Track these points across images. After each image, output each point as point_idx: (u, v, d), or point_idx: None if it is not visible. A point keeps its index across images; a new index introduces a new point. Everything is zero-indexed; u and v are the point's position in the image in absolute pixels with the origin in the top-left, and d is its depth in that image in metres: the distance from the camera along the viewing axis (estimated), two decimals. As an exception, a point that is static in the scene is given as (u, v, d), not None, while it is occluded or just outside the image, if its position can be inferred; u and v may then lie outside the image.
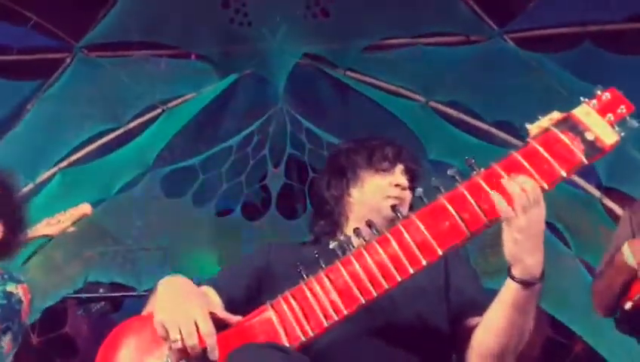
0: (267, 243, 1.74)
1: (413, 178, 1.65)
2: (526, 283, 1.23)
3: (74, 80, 5.09)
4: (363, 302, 1.26)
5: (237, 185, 4.96)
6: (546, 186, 1.22)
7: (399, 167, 1.64)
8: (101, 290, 4.42)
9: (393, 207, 1.36)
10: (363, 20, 5.00)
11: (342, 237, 1.34)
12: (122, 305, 4.69)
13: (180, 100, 5.21)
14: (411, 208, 1.41)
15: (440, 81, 4.94)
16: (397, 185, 1.60)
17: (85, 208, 2.79)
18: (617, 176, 4.42)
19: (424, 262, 1.25)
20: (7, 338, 1.87)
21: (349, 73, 5.13)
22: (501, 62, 4.80)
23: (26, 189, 4.92)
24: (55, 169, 5.03)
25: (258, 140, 4.91)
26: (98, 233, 4.61)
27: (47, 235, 2.72)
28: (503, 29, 4.80)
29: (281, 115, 4.92)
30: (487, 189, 1.24)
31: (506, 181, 1.22)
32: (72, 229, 2.75)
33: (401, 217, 1.31)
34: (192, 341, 1.24)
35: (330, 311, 1.27)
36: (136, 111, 5.18)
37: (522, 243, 1.21)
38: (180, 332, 1.24)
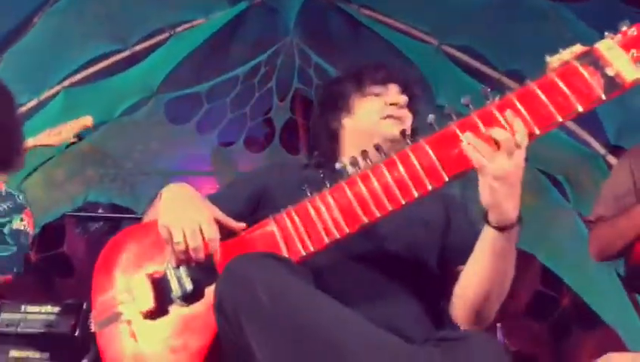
0: (270, 163, 1.73)
1: (412, 98, 1.60)
2: (502, 228, 1.23)
3: (80, -3, 4.98)
4: (365, 221, 1.26)
5: (241, 115, 4.92)
6: (560, 118, 1.19)
7: (393, 87, 1.60)
8: (100, 210, 4.46)
9: (402, 132, 1.33)
10: (380, -44, 4.87)
11: (348, 161, 1.32)
12: (120, 227, 4.75)
13: (188, 25, 5.09)
14: (414, 133, 1.37)
15: (454, 25, 4.82)
16: (392, 104, 1.55)
17: (86, 120, 2.76)
18: (625, 136, 4.37)
19: (429, 187, 1.24)
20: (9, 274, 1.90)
21: (362, 10, 5.00)
22: (517, 9, 4.67)
23: (30, 105, 4.90)
24: (59, 87, 4.96)
25: (265, 72, 4.83)
26: (99, 154, 4.59)
27: (48, 145, 2.70)
28: (523, -26, 4.66)
29: (291, 47, 4.83)
30: (501, 119, 1.21)
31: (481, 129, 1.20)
32: (73, 140, 2.73)
33: (409, 141, 1.28)
34: (195, 243, 1.24)
35: (332, 228, 1.27)
36: (143, 34, 5.05)
37: (499, 191, 1.20)
38: (184, 235, 1.24)
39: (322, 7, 5.01)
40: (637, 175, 2.07)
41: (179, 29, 5.07)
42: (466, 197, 3.99)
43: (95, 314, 1.39)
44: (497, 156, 1.18)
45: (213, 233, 1.26)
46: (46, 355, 3.35)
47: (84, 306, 3.79)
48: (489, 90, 1.25)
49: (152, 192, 4.69)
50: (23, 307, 3.58)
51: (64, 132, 2.71)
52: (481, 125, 1.22)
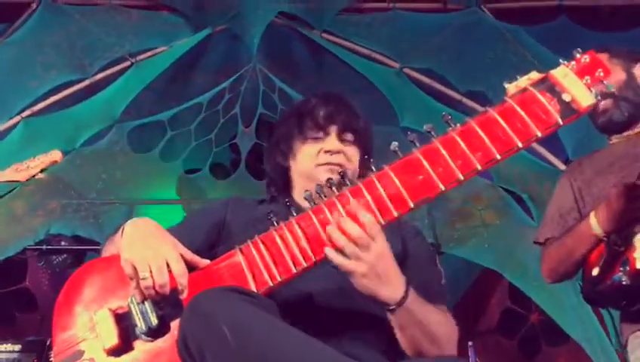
0: (227, 198, 1.73)
1: (355, 133, 1.63)
2: (392, 310, 1.25)
3: (40, 26, 4.92)
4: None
5: (206, 142, 4.89)
6: (520, 144, 1.21)
7: (333, 130, 1.61)
8: (63, 243, 4.35)
9: (328, 180, 1.31)
10: (339, -19, 4.94)
11: (314, 189, 1.32)
12: (85, 259, 4.64)
13: (150, 53, 5.08)
14: (366, 168, 1.38)
15: (415, 48, 4.92)
16: (327, 152, 1.58)
17: (55, 155, 2.69)
18: (584, 151, 4.49)
19: (395, 213, 1.24)
20: None
21: (324, 35, 5.06)
22: (477, 32, 4.80)
23: (-11, 135, 4.80)
24: (18, 118, 4.87)
25: (229, 98, 4.83)
26: (61, 185, 4.50)
27: (15, 181, 2.62)
28: (481, -1, 4.79)
29: (254, 73, 4.85)
30: (463, 145, 1.23)
31: (331, 230, 1.21)
32: (40, 176, 2.66)
33: (348, 182, 1.28)
34: (162, 279, 1.22)
35: (300, 258, 1.26)
36: (104, 62, 5.02)
37: (369, 285, 1.21)
38: (150, 270, 1.22)
39: (285, 33, 5.05)
40: (577, 191, 2.08)
41: (141, 57, 5.04)
42: (434, 217, 4.05)
43: (56, 352, 1.34)
44: (360, 255, 1.20)
45: (181, 270, 1.25)
46: (7, 396, 3.25)
47: (47, 343, 3.70)
48: (450, 116, 1.27)
49: (117, 222, 4.61)
50: (-19, 345, 3.49)
51: (32, 167, 2.63)
52: (444, 151, 1.24)
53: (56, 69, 4.98)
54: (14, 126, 4.86)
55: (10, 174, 2.58)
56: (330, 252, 1.21)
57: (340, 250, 1.20)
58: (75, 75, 5.01)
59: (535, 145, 4.65)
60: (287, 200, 1.38)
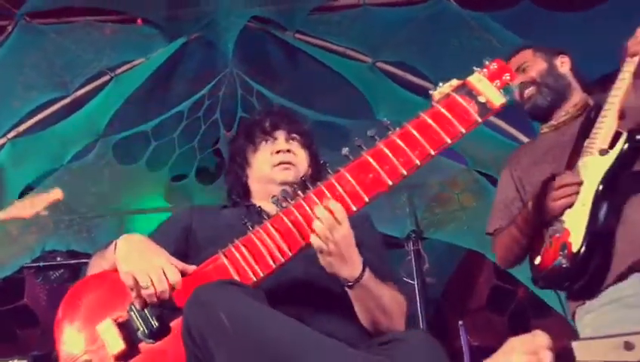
0: (190, 206, 1.92)
1: (301, 135, 1.86)
2: (351, 286, 1.47)
3: (17, 48, 4.99)
4: (303, 244, 1.43)
5: (190, 149, 5.02)
6: (449, 140, 1.41)
7: (280, 134, 1.84)
8: (59, 258, 4.47)
9: (292, 184, 1.54)
10: (309, -19, 5.07)
11: (280, 194, 1.49)
12: (80, 272, 4.77)
13: (128, 66, 5.16)
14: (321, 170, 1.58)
15: (386, 42, 5.05)
16: (278, 152, 1.80)
17: (57, 193, 2.85)
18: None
19: (354, 208, 1.44)
20: None
21: (297, 35, 5.16)
22: (444, 22, 4.94)
23: (-26, 160, 4.88)
24: (4, 139, 4.97)
25: (209, 104, 4.95)
26: (52, 202, 4.60)
27: (21, 217, 2.76)
28: (445, -12, 4.94)
29: (231, 78, 4.96)
30: (403, 145, 1.41)
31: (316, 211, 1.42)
32: (44, 213, 2.80)
33: (309, 185, 1.47)
34: (162, 286, 1.38)
35: (277, 254, 1.43)
36: (84, 78, 5.11)
37: (333, 262, 1.43)
38: (151, 280, 1.37)
39: (258, 36, 5.16)
40: (518, 181, 2.23)
41: (119, 70, 5.13)
42: (415, 205, 4.20)
43: None
44: (328, 235, 1.41)
45: (177, 276, 1.41)
46: (17, 409, 3.38)
47: (52, 356, 3.83)
48: (389, 122, 1.45)
49: (109, 235, 4.75)
50: (-12, 363, 3.61)
51: (36, 204, 2.77)
52: (388, 152, 1.41)
53: (37, 89, 5.07)
54: (1, 147, 4.97)
55: (16, 211, 2.71)
56: (313, 238, 1.42)
57: (313, 231, 1.41)
58: (57, 93, 5.10)
59: (507, 127, 4.83)
60: (259, 206, 1.57)
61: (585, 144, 1.93)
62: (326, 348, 1.23)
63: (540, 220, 1.95)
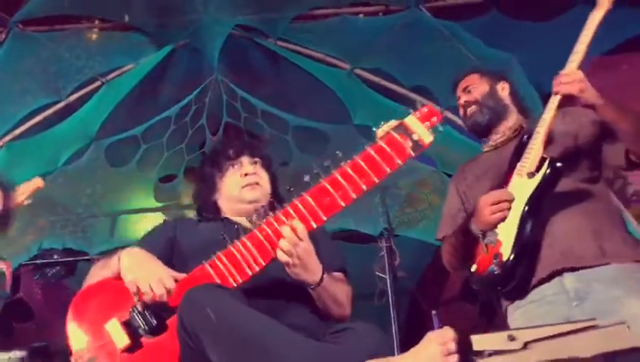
0: (173, 219, 2.27)
1: (262, 158, 2.19)
2: (313, 289, 1.84)
3: (11, 55, 5.17)
4: (274, 255, 1.75)
5: (178, 152, 5.28)
6: (389, 171, 1.76)
7: (245, 159, 2.15)
8: (55, 256, 4.74)
9: (262, 207, 1.92)
10: (291, -9, 5.31)
11: (254, 214, 1.81)
12: (76, 269, 5.04)
13: (119, 72, 5.37)
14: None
15: (363, 49, 5.31)
16: (245, 175, 2.11)
17: (38, 181, 3.07)
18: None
19: (314, 225, 1.77)
20: None
21: (279, 43, 5.40)
22: (418, 31, 5.20)
23: (-28, 163, 5.11)
24: (0, 143, 5.19)
25: (195, 109, 5.20)
26: (49, 203, 4.84)
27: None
28: (419, -1, 5.23)
29: (217, 85, 5.21)
30: (353, 175, 1.74)
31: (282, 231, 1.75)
32: (27, 202, 3.04)
33: (277, 205, 1.82)
34: (160, 291, 1.71)
35: (252, 264, 1.75)
36: (76, 84, 5.31)
37: (297, 271, 1.78)
38: (150, 286, 1.70)
39: (242, 44, 5.41)
40: (462, 194, 2.53)
41: (110, 76, 5.35)
42: (387, 204, 4.50)
43: (75, 358, 1.80)
44: (292, 251, 1.73)
45: (171, 283, 1.74)
46: (18, 401, 3.61)
47: (52, 349, 4.11)
48: (341, 154, 1.78)
49: (103, 233, 5.03)
50: (-12, 355, 3.85)
51: (19, 195, 3.00)
52: (341, 179, 1.73)
53: (31, 94, 5.27)
54: (-3, 151, 5.20)
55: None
56: (279, 254, 1.75)
57: (280, 246, 1.74)
58: (50, 98, 5.30)
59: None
60: (235, 221, 1.89)
61: (517, 165, 2.24)
62: (288, 338, 1.57)
63: (477, 231, 2.26)
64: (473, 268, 2.27)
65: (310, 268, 1.78)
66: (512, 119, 2.50)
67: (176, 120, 5.21)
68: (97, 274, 1.94)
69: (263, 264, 1.76)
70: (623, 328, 1.37)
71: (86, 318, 1.82)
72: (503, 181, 2.28)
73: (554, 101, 2.22)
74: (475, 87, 2.55)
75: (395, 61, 5.28)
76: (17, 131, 5.28)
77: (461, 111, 2.58)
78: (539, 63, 4.94)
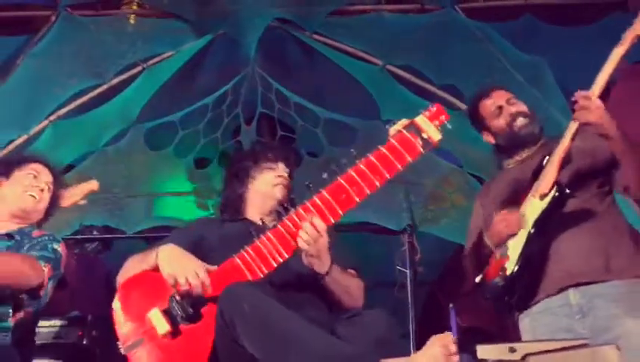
0: (198, 220, 2.52)
1: (291, 169, 2.47)
2: (322, 277, 2.04)
3: (59, 38, 5.44)
4: (296, 247, 1.98)
5: (213, 140, 5.47)
6: (400, 167, 1.92)
7: (281, 164, 2.43)
8: (95, 232, 5.02)
9: (284, 205, 2.09)
10: (329, -14, 5.45)
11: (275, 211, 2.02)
12: (112, 246, 5.32)
13: (159, 58, 5.55)
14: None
15: (396, 46, 5.43)
16: (279, 176, 2.38)
17: (93, 184, 3.30)
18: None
19: (332, 220, 1.96)
20: (52, 284, 2.50)
21: (315, 36, 5.54)
22: (451, 31, 5.32)
23: (19, 141, 5.40)
24: (46, 122, 5.43)
25: (232, 99, 5.38)
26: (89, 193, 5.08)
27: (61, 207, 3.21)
28: (455, -1, 5.32)
29: (253, 76, 5.36)
30: (367, 172, 1.91)
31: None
32: (82, 202, 3.27)
33: (289, 207, 2.01)
34: (195, 282, 1.95)
35: (277, 256, 1.95)
36: (118, 68, 5.52)
37: (312, 261, 2.00)
38: (187, 278, 1.93)
39: (279, 36, 5.57)
40: (483, 211, 2.67)
41: (151, 62, 5.54)
42: (410, 201, 4.65)
43: (122, 342, 2.02)
44: (311, 242, 1.94)
45: (205, 276, 1.96)
46: (60, 363, 3.92)
47: (89, 319, 4.39)
48: (355, 153, 1.94)
49: (140, 213, 5.27)
50: (35, 321, 4.16)
51: (74, 195, 3.23)
52: (356, 177, 1.89)
53: (76, 77, 5.51)
54: (43, 130, 5.47)
55: None
56: (299, 240, 1.96)
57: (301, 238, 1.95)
58: (94, 81, 5.53)
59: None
60: (261, 218, 2.11)
61: (533, 186, 2.37)
62: (308, 329, 1.78)
63: (489, 244, 2.42)
64: (478, 278, 2.43)
65: (322, 259, 2.01)
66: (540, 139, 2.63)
67: (212, 108, 5.39)
68: (136, 266, 2.18)
69: (286, 256, 1.97)
70: (611, 349, 1.52)
71: (131, 306, 2.06)
72: (520, 199, 2.41)
73: (572, 127, 2.30)
74: (515, 100, 2.65)
75: (427, 59, 5.38)
76: (62, 111, 5.52)
77: (502, 122, 2.61)
78: (569, 68, 5.02)
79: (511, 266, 2.30)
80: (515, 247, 2.31)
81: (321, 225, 1.93)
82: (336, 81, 5.50)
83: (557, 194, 2.28)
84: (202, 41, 5.55)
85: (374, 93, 5.35)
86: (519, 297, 2.33)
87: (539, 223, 2.30)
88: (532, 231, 2.30)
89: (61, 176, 2.83)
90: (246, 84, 5.38)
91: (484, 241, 2.45)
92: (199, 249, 2.24)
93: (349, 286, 2.16)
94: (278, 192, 2.35)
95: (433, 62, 5.38)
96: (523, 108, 2.63)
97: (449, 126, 1.97)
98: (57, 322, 4.26)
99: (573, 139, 2.30)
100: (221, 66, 5.63)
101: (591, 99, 2.22)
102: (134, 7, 5.69)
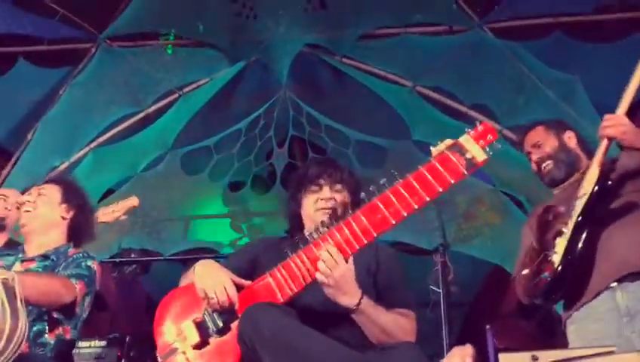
0: (257, 239, 2.52)
1: (344, 185, 2.31)
2: (352, 311, 1.93)
3: (99, 68, 5.67)
4: None
5: (247, 163, 5.59)
6: (441, 190, 1.86)
7: (325, 184, 2.31)
8: (133, 255, 5.15)
9: (322, 222, 2.03)
10: (357, 11, 5.54)
11: (311, 231, 2.04)
12: (150, 268, 5.45)
13: (194, 85, 5.74)
14: (357, 205, 2.03)
15: (426, 68, 5.48)
16: (322, 199, 2.27)
17: (134, 200, 3.38)
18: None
19: (365, 241, 1.92)
20: (88, 300, 2.58)
21: (345, 60, 5.63)
22: (480, 51, 5.33)
23: (62, 167, 5.62)
24: (87, 149, 5.65)
25: (264, 123, 5.50)
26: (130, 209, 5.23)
27: (104, 222, 3.33)
28: (483, 20, 5.34)
29: (284, 100, 5.49)
30: (404, 193, 1.87)
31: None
32: (123, 218, 3.37)
33: (328, 223, 1.99)
34: (223, 297, 1.99)
35: (307, 275, 1.98)
36: (155, 96, 5.73)
37: (332, 293, 1.90)
38: (215, 293, 1.97)
39: (309, 60, 5.69)
40: (533, 234, 2.56)
41: (186, 89, 5.73)
42: (443, 219, 4.66)
43: (159, 351, 2.09)
44: (327, 273, 1.88)
45: (233, 290, 2.01)
46: (99, 382, 4.00)
47: (128, 339, 4.48)
48: (396, 173, 1.92)
49: (176, 236, 5.41)
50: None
51: (116, 211, 3.34)
52: (393, 198, 1.90)
53: (115, 105, 5.74)
54: (84, 156, 5.69)
55: (100, 217, 3.29)
56: (319, 276, 1.93)
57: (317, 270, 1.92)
58: (132, 109, 5.75)
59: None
60: (299, 236, 2.11)
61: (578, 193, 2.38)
62: (330, 346, 1.79)
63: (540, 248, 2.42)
64: (525, 271, 2.41)
65: (347, 291, 1.90)
66: (583, 166, 2.56)
67: (246, 132, 5.52)
68: (183, 280, 2.25)
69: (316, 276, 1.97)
70: (636, 356, 1.52)
71: (170, 316, 2.12)
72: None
73: (602, 144, 2.31)
74: (543, 141, 2.60)
75: (457, 79, 5.41)
76: (102, 138, 5.73)
77: (534, 167, 2.62)
78: (601, 84, 4.98)
79: (558, 259, 2.28)
80: (562, 244, 2.31)
81: (337, 254, 1.87)
82: (366, 102, 5.57)
83: (596, 187, 2.26)
84: (235, 67, 5.71)
85: (404, 114, 5.41)
86: (567, 292, 2.31)
87: (583, 214, 2.27)
88: (577, 222, 2.27)
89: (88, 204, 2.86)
90: (278, 108, 5.51)
91: (533, 253, 2.44)
92: (255, 267, 2.26)
93: (384, 324, 1.97)
94: (318, 217, 2.22)
95: (463, 83, 5.41)
96: (545, 151, 2.57)
97: (498, 146, 1.84)
98: (97, 342, 4.36)
99: (604, 153, 2.31)
100: (254, 92, 5.77)
101: (614, 117, 2.26)
102: (171, 38, 5.89)
